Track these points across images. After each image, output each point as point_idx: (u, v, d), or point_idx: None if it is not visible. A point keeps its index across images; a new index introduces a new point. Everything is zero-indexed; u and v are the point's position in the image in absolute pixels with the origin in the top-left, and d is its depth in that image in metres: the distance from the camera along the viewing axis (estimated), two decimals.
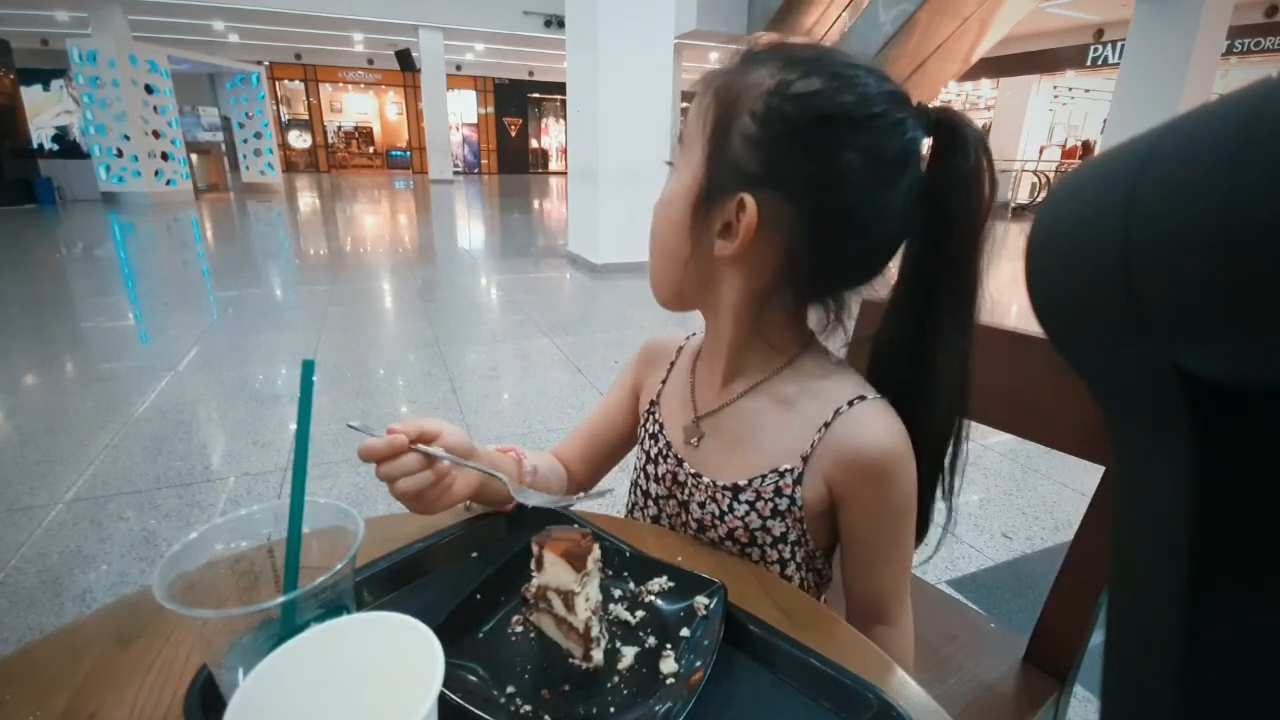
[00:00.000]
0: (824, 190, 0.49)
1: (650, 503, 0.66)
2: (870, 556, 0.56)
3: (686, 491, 0.62)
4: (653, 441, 0.65)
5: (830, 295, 0.56)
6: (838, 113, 0.47)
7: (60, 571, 1.52)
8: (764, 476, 0.56)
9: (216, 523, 0.40)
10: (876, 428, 0.53)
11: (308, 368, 0.39)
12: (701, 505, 0.60)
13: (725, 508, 0.58)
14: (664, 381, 0.68)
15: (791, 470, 0.55)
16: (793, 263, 0.52)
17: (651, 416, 0.67)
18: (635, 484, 0.69)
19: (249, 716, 0.28)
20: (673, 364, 0.68)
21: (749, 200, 0.49)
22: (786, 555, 0.58)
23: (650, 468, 0.66)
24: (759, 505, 0.57)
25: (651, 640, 0.47)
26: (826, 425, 0.54)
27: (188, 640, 0.44)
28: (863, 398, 0.54)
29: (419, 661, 0.30)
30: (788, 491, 0.55)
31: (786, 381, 0.57)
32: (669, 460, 0.63)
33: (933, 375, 0.54)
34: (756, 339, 0.57)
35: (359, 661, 0.32)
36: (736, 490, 0.57)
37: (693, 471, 0.61)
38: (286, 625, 0.36)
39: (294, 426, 2.31)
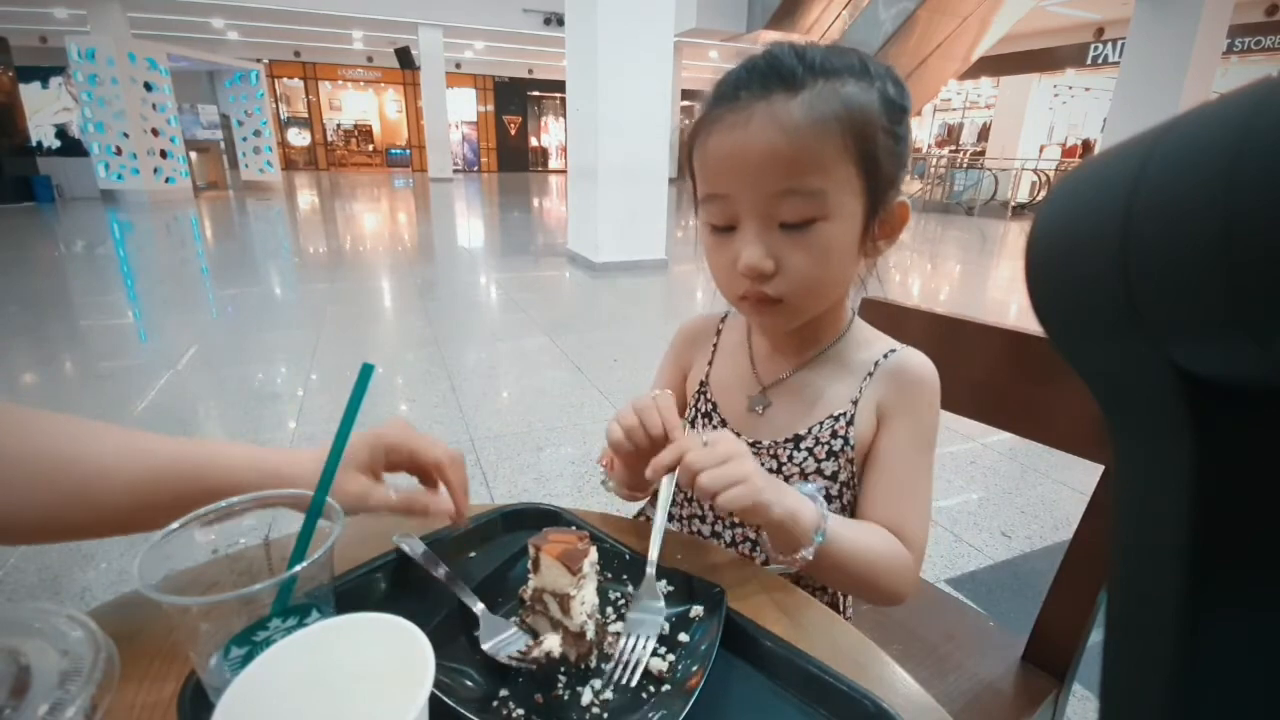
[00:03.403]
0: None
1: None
2: (894, 476, 0.60)
3: None
4: (705, 420, 0.68)
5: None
6: (910, 104, 0.55)
7: (59, 569, 1.52)
8: (821, 423, 0.62)
9: (199, 513, 0.40)
10: (918, 359, 0.62)
11: (367, 370, 0.40)
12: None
13: (785, 458, 0.63)
14: (710, 363, 0.70)
15: (845, 414, 0.61)
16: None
17: (703, 397, 0.69)
18: None
19: (237, 717, 0.27)
20: (715, 345, 0.70)
21: (907, 200, 0.57)
22: (834, 493, 0.62)
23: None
24: (816, 450, 0.62)
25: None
26: (870, 374, 0.62)
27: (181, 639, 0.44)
28: (894, 350, 0.63)
29: (409, 663, 0.30)
30: (842, 433, 0.61)
31: (845, 344, 0.64)
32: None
33: None
34: (832, 315, 0.63)
35: (349, 663, 0.32)
36: (798, 440, 0.62)
37: (751, 441, 0.64)
38: (279, 605, 0.36)
39: (293, 425, 2.32)
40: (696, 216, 0.59)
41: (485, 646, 0.43)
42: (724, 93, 0.53)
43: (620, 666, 0.44)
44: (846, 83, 0.51)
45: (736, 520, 0.65)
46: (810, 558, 0.50)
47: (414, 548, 0.52)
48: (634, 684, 0.43)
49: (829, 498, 0.62)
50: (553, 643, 0.42)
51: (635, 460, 0.54)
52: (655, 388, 0.73)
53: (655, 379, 0.75)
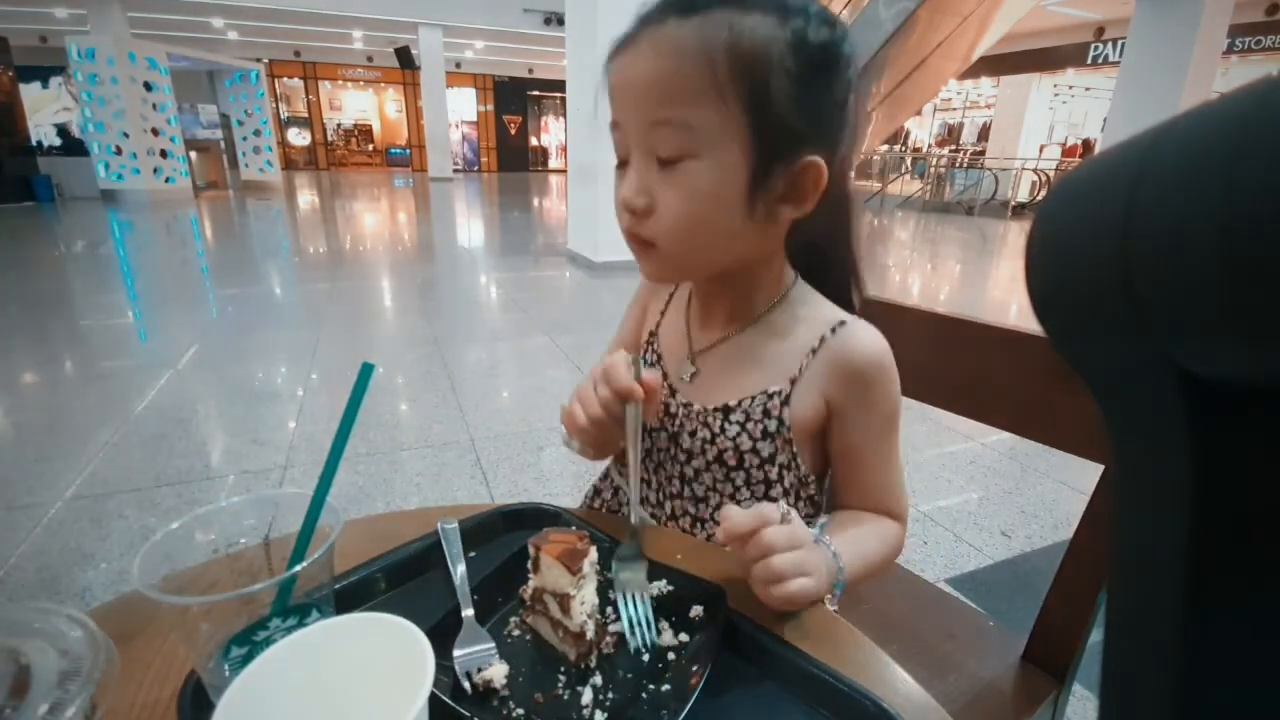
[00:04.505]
0: (847, 132, 0.52)
1: (645, 435, 0.65)
2: (871, 463, 0.59)
3: (677, 423, 0.62)
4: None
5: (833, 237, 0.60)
6: (849, 55, 0.50)
7: (59, 569, 1.52)
8: (753, 398, 0.58)
9: (199, 512, 0.40)
10: (866, 339, 0.57)
11: (367, 370, 0.40)
12: (692, 434, 0.61)
13: (716, 430, 0.59)
14: (663, 313, 0.68)
15: (779, 392, 0.57)
16: (822, 208, 0.53)
17: (651, 347, 0.67)
18: None
19: (238, 717, 0.27)
20: (672, 294, 0.69)
21: (820, 162, 0.50)
22: (774, 477, 0.60)
23: None
24: (749, 426, 0.58)
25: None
26: (814, 351, 0.57)
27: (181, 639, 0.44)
28: (843, 323, 0.58)
29: (409, 663, 0.30)
30: (775, 413, 0.58)
31: (780, 313, 0.60)
32: (663, 391, 0.64)
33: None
34: (759, 280, 0.60)
35: (349, 662, 0.32)
36: (727, 411, 0.59)
37: (684, 402, 0.62)
38: (279, 604, 0.36)
39: (293, 425, 2.31)
40: None
41: (454, 653, 0.43)
42: (636, 17, 0.51)
43: (632, 628, 0.45)
44: (750, 15, 0.47)
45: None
46: (834, 608, 0.51)
47: (449, 534, 0.54)
48: (650, 642, 0.45)
49: (767, 483, 0.60)
50: (496, 672, 0.42)
51: (601, 429, 0.54)
52: (618, 334, 0.74)
53: (620, 324, 0.74)
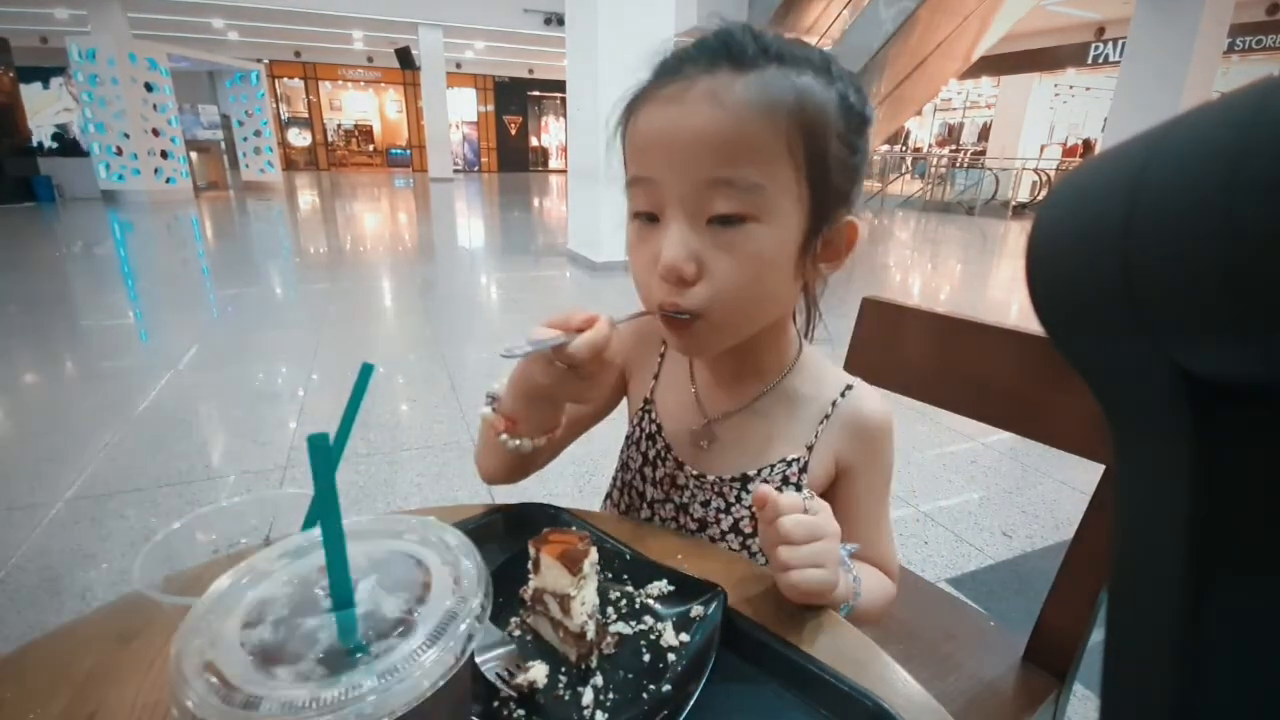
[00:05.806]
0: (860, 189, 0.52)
1: (645, 505, 0.64)
2: (870, 520, 0.60)
3: (687, 494, 0.61)
4: (650, 443, 0.63)
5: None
6: (873, 118, 0.50)
7: (60, 570, 1.52)
8: (772, 466, 0.58)
9: (199, 513, 0.40)
10: (874, 401, 0.60)
11: (367, 370, 0.40)
12: (705, 504, 0.60)
13: (733, 499, 0.59)
14: (656, 377, 0.65)
15: (798, 459, 0.58)
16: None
17: (648, 415, 0.64)
18: (629, 485, 0.66)
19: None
20: (663, 355, 0.65)
21: (856, 222, 0.51)
22: None
23: (648, 470, 0.64)
24: None
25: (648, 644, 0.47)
26: (827, 417, 0.59)
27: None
28: (850, 386, 0.60)
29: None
30: (794, 480, 0.58)
31: (792, 380, 0.60)
32: (668, 463, 0.62)
33: None
34: (773, 342, 0.59)
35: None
36: (745, 480, 0.59)
37: (695, 473, 0.60)
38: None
39: (294, 425, 2.31)
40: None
41: (477, 658, 0.43)
42: (667, 65, 0.47)
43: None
44: (804, 73, 0.45)
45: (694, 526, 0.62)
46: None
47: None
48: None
49: None
50: (538, 672, 0.42)
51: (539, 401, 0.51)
52: None
53: None
